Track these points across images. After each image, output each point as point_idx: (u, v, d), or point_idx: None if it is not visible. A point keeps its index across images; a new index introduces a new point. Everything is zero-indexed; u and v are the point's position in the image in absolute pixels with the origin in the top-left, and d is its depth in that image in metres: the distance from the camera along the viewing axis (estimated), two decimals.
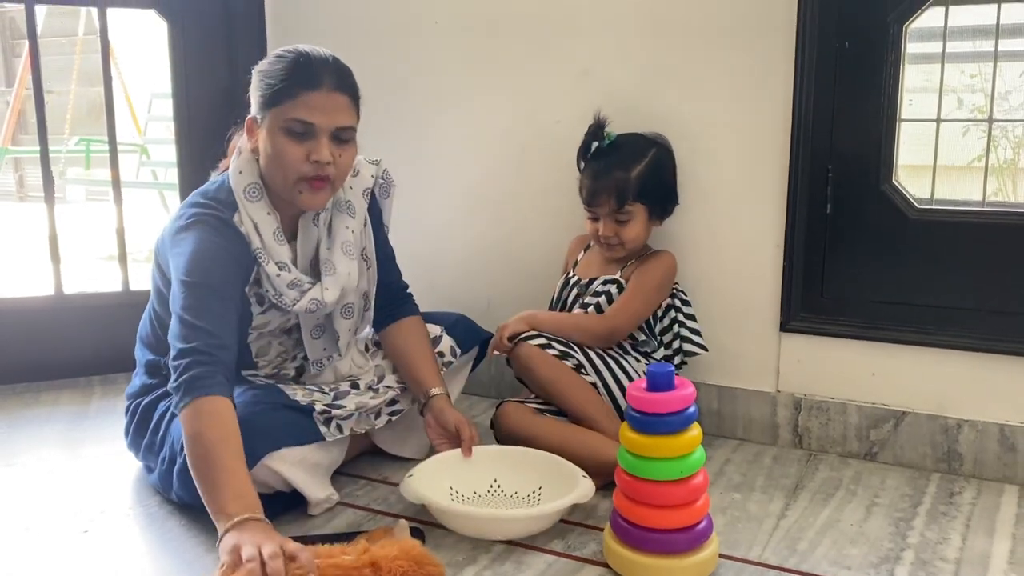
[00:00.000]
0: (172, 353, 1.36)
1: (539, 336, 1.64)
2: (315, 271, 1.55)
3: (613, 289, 1.70)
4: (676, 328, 1.73)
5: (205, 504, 1.28)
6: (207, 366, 1.33)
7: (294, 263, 1.52)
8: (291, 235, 1.54)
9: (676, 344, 1.72)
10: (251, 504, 1.25)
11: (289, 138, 1.40)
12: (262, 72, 1.44)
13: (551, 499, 1.44)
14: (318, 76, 1.40)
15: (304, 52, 1.43)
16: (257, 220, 1.46)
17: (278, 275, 1.47)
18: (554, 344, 1.64)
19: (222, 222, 1.45)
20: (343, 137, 1.44)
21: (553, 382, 1.62)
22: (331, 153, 1.42)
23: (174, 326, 1.38)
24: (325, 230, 1.56)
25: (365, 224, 1.64)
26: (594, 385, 1.63)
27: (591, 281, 1.74)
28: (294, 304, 1.49)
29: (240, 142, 1.52)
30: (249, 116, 1.47)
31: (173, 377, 1.34)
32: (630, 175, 1.66)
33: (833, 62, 1.67)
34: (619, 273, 1.73)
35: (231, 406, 1.33)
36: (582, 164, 1.74)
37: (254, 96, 1.45)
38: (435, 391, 1.62)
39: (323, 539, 1.40)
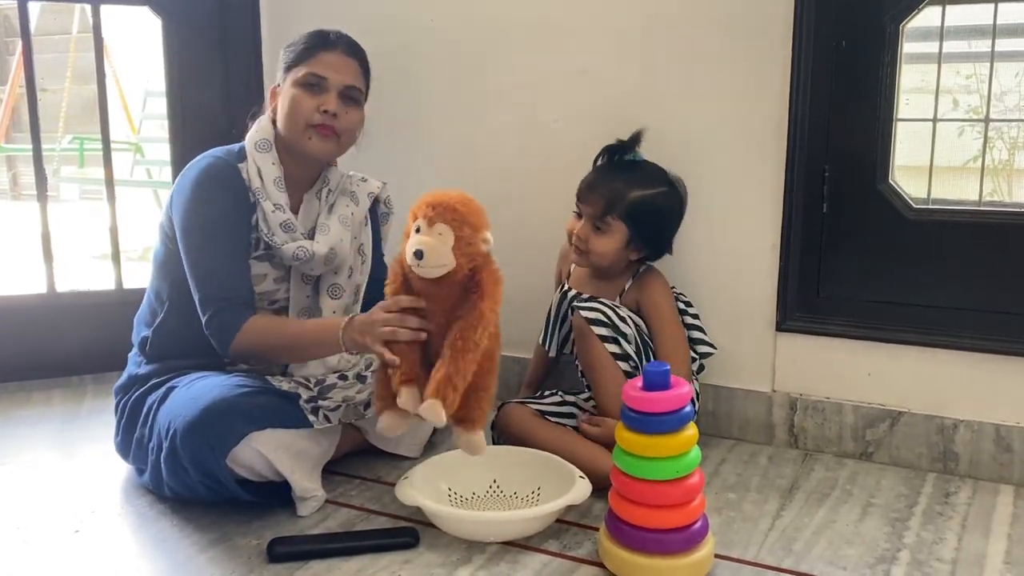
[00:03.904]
0: (197, 303, 1.52)
1: (604, 326, 1.59)
2: (312, 238, 1.63)
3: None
4: (687, 332, 1.71)
5: (316, 356, 1.56)
6: (231, 306, 1.51)
7: (294, 213, 1.63)
8: (295, 208, 1.64)
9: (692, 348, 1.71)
10: (335, 321, 1.46)
11: (303, 90, 1.55)
12: (285, 46, 1.61)
13: (550, 499, 1.44)
14: (334, 41, 1.59)
15: (324, 28, 1.62)
16: (261, 166, 1.58)
17: (273, 212, 1.57)
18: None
19: (227, 164, 1.58)
20: (351, 95, 1.58)
21: (596, 364, 1.60)
22: (339, 108, 1.56)
23: (191, 276, 1.53)
24: (326, 206, 1.67)
25: (366, 223, 1.73)
26: None
27: (589, 300, 1.70)
28: (283, 245, 1.56)
29: (261, 115, 1.65)
30: (273, 85, 1.63)
31: (206, 330, 1.51)
32: (628, 192, 1.62)
33: (829, 61, 1.67)
34: (618, 299, 1.70)
35: (265, 317, 1.55)
36: (597, 163, 1.72)
37: (279, 68, 1.62)
38: None
39: (315, 539, 1.40)
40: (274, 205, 1.57)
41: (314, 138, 1.56)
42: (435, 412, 1.31)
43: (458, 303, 1.36)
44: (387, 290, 1.43)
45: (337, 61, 1.57)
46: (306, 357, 1.57)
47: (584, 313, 1.59)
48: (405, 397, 1.36)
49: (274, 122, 1.62)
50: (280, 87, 1.60)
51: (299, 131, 1.56)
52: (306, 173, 1.64)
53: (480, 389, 1.37)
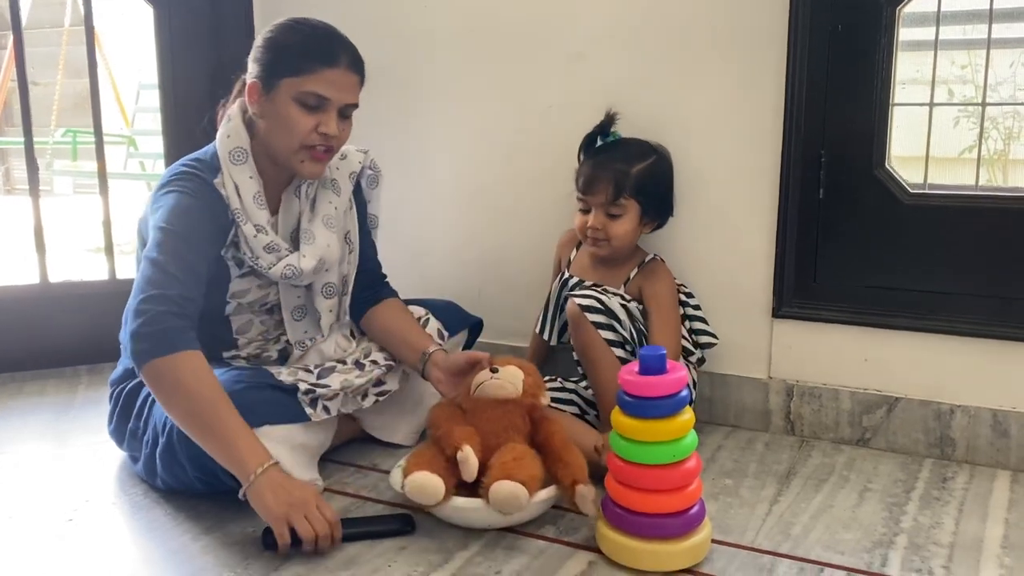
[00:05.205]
0: (139, 296, 1.35)
1: (599, 312, 1.58)
2: (296, 243, 1.57)
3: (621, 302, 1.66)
4: (688, 324, 1.72)
5: (213, 455, 1.33)
6: (181, 319, 1.35)
7: (274, 229, 1.55)
8: (274, 208, 1.56)
9: (692, 339, 1.72)
10: (263, 454, 1.32)
11: (301, 109, 1.44)
12: (275, 40, 1.48)
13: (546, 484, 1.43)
14: (337, 54, 1.46)
15: (322, 27, 1.49)
16: (238, 182, 1.49)
17: (255, 236, 1.49)
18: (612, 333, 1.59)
19: (203, 182, 1.47)
20: (346, 113, 1.50)
21: (592, 351, 1.59)
22: (337, 128, 1.47)
23: (144, 269, 1.38)
24: (308, 204, 1.59)
25: (350, 207, 1.67)
26: None
27: (593, 287, 1.70)
28: (270, 268, 1.50)
29: (230, 110, 1.54)
30: (251, 80, 1.48)
31: (139, 322, 1.33)
32: (630, 169, 1.65)
33: (826, 46, 1.66)
34: (623, 287, 1.70)
35: (207, 364, 1.35)
36: (582, 156, 1.73)
37: (262, 62, 1.47)
38: (432, 347, 1.60)
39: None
40: (255, 228, 1.48)
41: (307, 161, 1.48)
42: (591, 497, 1.36)
43: (508, 427, 1.42)
44: (434, 434, 1.43)
45: (340, 79, 1.45)
46: (196, 436, 1.34)
47: (578, 301, 1.59)
48: (473, 461, 1.35)
49: (246, 122, 1.51)
50: (262, 85, 1.46)
51: (292, 151, 1.47)
52: (284, 172, 1.55)
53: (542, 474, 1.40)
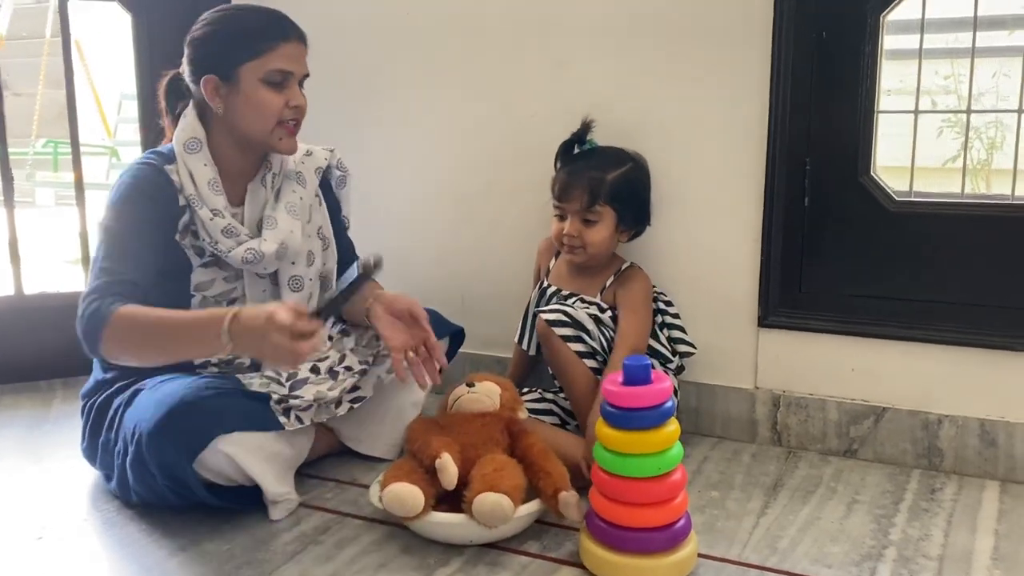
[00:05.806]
0: (79, 304, 1.39)
1: (566, 326, 1.58)
2: (261, 232, 1.56)
3: (595, 312, 1.64)
4: (667, 332, 1.71)
5: (195, 355, 1.44)
6: (109, 296, 1.37)
7: (240, 221, 1.55)
8: (239, 199, 1.57)
9: (670, 347, 1.71)
10: (218, 319, 1.29)
11: (270, 88, 1.48)
12: (219, 32, 1.49)
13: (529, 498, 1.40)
14: (286, 28, 1.50)
15: (256, 6, 1.53)
16: (192, 169, 1.51)
17: (211, 219, 1.49)
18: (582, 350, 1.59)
19: (154, 170, 1.49)
20: (301, 84, 1.53)
21: (563, 364, 1.59)
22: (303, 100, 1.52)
23: (90, 275, 1.43)
24: (272, 194, 1.60)
25: (320, 203, 1.68)
26: None
27: (570, 296, 1.70)
28: (230, 252, 1.50)
29: (185, 109, 1.55)
30: (207, 78, 1.48)
31: (77, 324, 1.37)
32: (605, 176, 1.64)
33: (810, 53, 1.65)
34: (599, 296, 1.69)
35: (141, 307, 1.37)
36: (559, 163, 1.72)
37: (210, 58, 1.48)
38: (379, 291, 1.61)
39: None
40: (212, 212, 1.49)
41: (284, 138, 1.52)
42: (575, 502, 1.35)
43: (487, 440, 1.43)
44: (411, 448, 1.42)
45: (295, 51, 1.50)
46: (180, 355, 1.40)
47: (545, 316, 1.58)
48: (452, 469, 1.35)
49: (201, 118, 1.52)
50: (219, 79, 1.47)
51: (267, 132, 1.50)
52: (249, 162, 1.57)
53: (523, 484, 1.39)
